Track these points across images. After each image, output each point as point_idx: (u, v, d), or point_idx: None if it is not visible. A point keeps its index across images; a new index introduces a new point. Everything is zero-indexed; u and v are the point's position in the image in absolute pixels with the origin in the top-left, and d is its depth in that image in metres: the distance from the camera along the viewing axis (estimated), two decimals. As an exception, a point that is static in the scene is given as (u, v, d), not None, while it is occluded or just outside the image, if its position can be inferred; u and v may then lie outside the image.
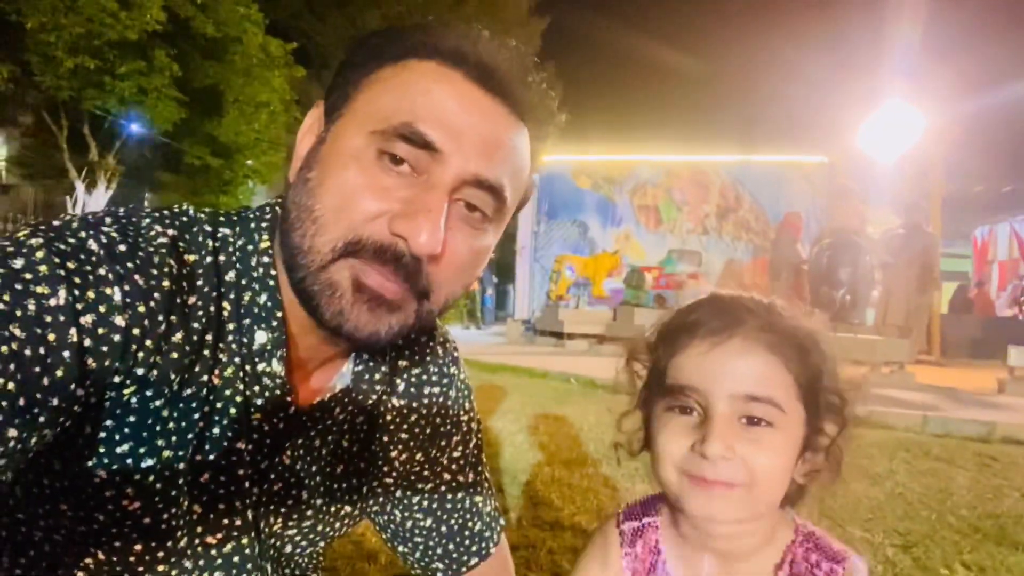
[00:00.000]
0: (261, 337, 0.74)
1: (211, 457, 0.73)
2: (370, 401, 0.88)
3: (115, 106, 12.93)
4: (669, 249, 13.71)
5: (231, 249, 0.75)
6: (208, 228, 0.74)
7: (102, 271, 0.61)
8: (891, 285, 9.18)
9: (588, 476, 3.02)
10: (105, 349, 0.60)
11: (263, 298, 0.74)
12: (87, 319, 0.59)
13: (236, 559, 0.79)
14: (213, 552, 0.77)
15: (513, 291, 15.29)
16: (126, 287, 0.62)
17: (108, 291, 0.61)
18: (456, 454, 1.01)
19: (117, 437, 0.66)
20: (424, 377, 0.96)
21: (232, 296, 0.73)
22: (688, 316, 0.83)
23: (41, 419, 0.55)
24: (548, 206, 14.33)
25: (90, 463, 0.66)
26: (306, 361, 0.81)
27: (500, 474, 3.03)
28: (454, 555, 1.02)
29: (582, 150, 14.52)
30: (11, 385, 0.53)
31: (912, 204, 9.74)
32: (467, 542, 1.02)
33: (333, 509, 0.90)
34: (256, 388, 0.75)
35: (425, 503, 0.99)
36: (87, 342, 0.59)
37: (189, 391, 0.70)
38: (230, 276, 0.74)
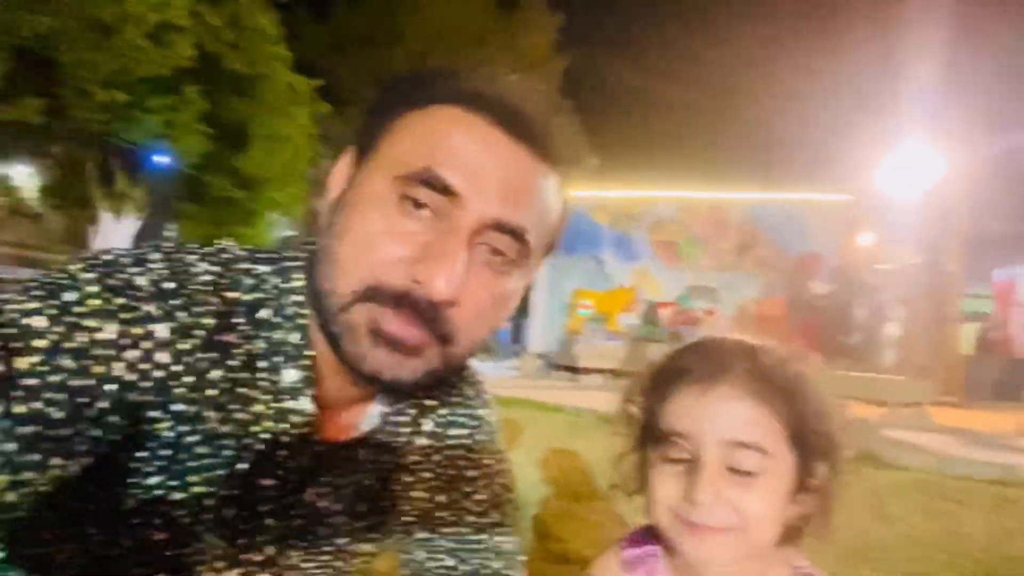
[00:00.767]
0: (291, 375, 0.74)
1: (237, 493, 0.74)
2: (396, 442, 0.88)
3: (143, 139, 13.25)
4: (685, 285, 13.69)
5: (267, 287, 0.76)
6: (247, 266, 0.76)
7: (149, 308, 0.64)
8: (909, 323, 9.08)
9: (598, 510, 3.02)
10: (147, 384, 0.63)
11: (294, 337, 0.75)
12: (132, 354, 0.61)
13: None
14: None
15: (528, 325, 15.24)
16: (171, 324, 0.65)
17: (153, 328, 0.63)
18: (480, 496, 0.98)
19: (149, 469, 0.67)
20: (451, 418, 0.95)
21: (265, 334, 0.74)
22: (677, 361, 0.86)
23: (81, 448, 0.58)
24: (566, 240, 14.16)
25: (120, 491, 0.67)
26: (335, 400, 0.81)
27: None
28: None
29: (600, 186, 14.60)
30: (58, 415, 0.55)
31: (932, 242, 9.67)
32: None
33: (354, 547, 0.90)
34: (285, 425, 0.75)
35: (447, 544, 0.97)
36: (130, 377, 0.61)
37: (224, 429, 0.71)
38: (264, 314, 0.75)
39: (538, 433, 5.07)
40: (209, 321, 0.68)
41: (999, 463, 4.58)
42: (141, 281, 0.65)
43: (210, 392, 0.69)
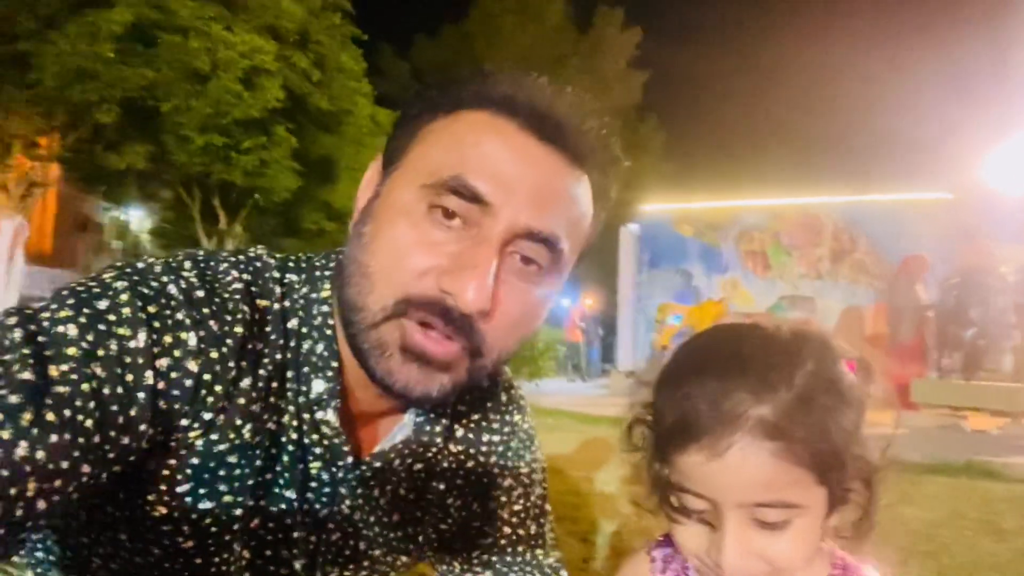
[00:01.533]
0: (318, 386, 0.73)
1: (266, 503, 0.73)
2: (429, 450, 0.86)
3: (240, 178, 14.01)
4: (779, 296, 13.16)
5: (296, 296, 0.76)
6: (277, 274, 0.76)
7: (180, 316, 0.64)
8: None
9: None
10: (177, 393, 0.63)
11: (321, 347, 0.74)
12: (163, 362, 0.61)
13: None
14: None
15: (616, 342, 15.03)
16: (201, 332, 0.64)
17: (184, 336, 0.63)
18: (517, 507, 0.96)
19: (179, 477, 0.67)
20: (484, 424, 0.93)
21: (293, 344, 0.74)
22: (678, 410, 0.72)
23: (111, 455, 0.57)
24: (650, 255, 14.11)
25: (151, 498, 0.67)
26: (366, 412, 0.80)
27: (584, 523, 2.95)
28: None
29: (684, 198, 14.32)
30: (89, 422, 0.55)
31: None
32: None
33: (390, 559, 0.89)
34: (314, 436, 0.74)
35: (485, 556, 0.96)
36: (161, 385, 0.61)
37: (255, 438, 0.70)
38: (293, 323, 0.74)
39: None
40: (240, 329, 0.68)
41: None
42: (172, 289, 0.65)
43: (240, 401, 0.68)
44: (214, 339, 0.65)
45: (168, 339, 0.62)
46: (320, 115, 14.80)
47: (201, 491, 0.68)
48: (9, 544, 0.51)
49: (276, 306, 0.73)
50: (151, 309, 0.62)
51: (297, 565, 0.78)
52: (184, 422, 0.64)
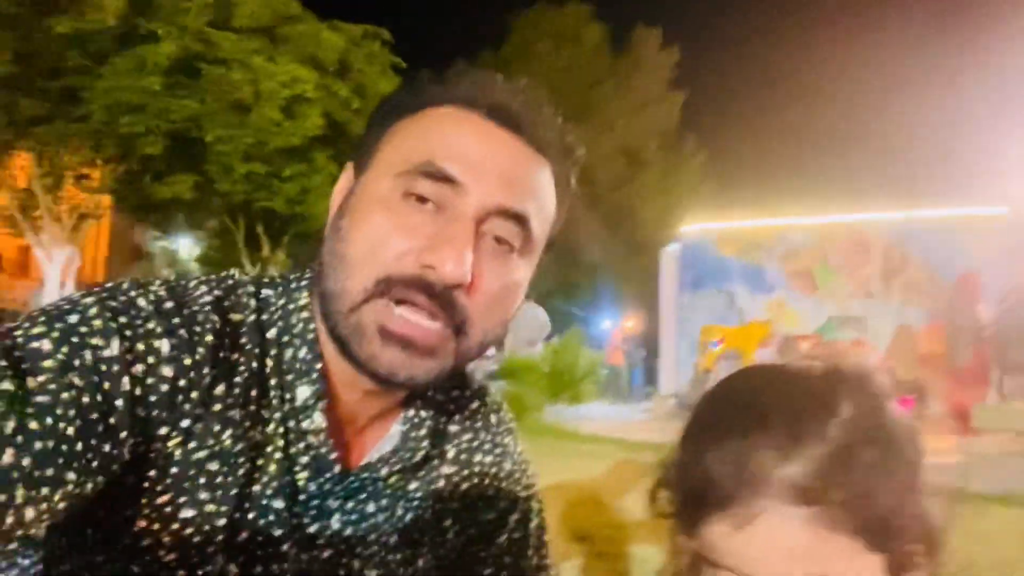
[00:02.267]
0: (303, 392, 0.74)
1: (251, 516, 0.73)
2: (419, 464, 0.85)
3: (282, 205, 14.29)
4: (828, 316, 12.79)
5: (273, 308, 0.77)
6: (252, 289, 0.77)
7: (151, 325, 0.65)
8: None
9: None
10: (153, 399, 0.64)
11: (303, 352, 0.75)
12: (138, 369, 0.63)
13: None
14: None
15: (659, 365, 14.78)
16: (173, 340, 0.66)
17: (156, 343, 0.64)
18: (517, 535, 0.95)
19: (159, 488, 0.67)
20: (475, 444, 0.92)
21: (273, 353, 0.75)
22: (700, 468, 0.63)
23: (95, 464, 0.58)
24: (692, 276, 13.89)
25: (130, 513, 0.67)
26: (352, 419, 0.80)
27: (626, 559, 2.80)
28: None
29: (726, 217, 14.11)
30: (71, 430, 0.56)
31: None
32: None
33: None
34: (301, 446, 0.75)
35: None
36: (138, 391, 0.62)
37: (236, 446, 0.70)
38: (271, 334, 0.75)
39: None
40: (210, 338, 0.69)
41: None
42: (141, 302, 0.67)
43: (216, 407, 0.69)
44: (186, 346, 0.67)
45: (141, 347, 0.63)
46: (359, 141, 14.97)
47: (181, 500, 0.68)
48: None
49: (251, 318, 0.75)
50: (122, 320, 0.64)
51: None
52: (163, 430, 0.65)
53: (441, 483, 0.89)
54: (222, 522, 0.70)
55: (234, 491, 0.70)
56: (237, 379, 0.71)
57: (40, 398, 0.55)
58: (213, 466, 0.69)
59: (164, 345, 0.65)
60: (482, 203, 0.71)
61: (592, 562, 2.84)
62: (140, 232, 23.19)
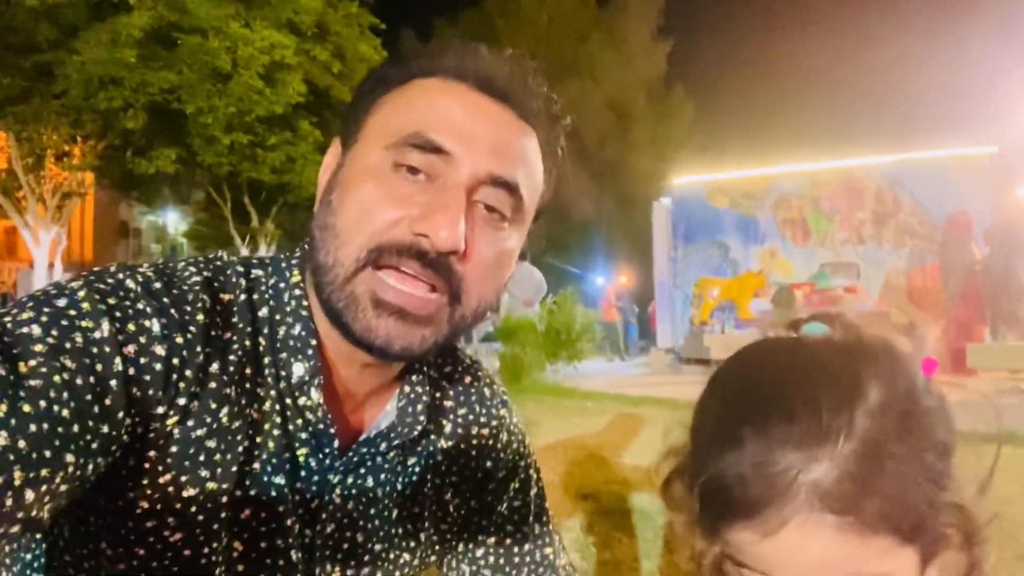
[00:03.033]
0: (298, 369, 0.74)
1: (253, 492, 0.73)
2: (417, 439, 0.87)
3: (268, 175, 14.12)
4: (821, 263, 12.81)
5: (263, 287, 0.78)
6: (241, 269, 0.78)
7: (140, 305, 0.65)
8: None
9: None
10: (148, 378, 0.64)
11: (297, 329, 0.76)
12: (129, 349, 0.63)
13: None
14: None
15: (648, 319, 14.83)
16: (163, 319, 0.66)
17: (147, 323, 0.65)
18: (517, 503, 0.98)
19: (160, 468, 0.67)
20: (471, 418, 0.94)
21: (266, 331, 0.75)
22: (719, 472, 0.59)
23: (94, 446, 0.58)
24: (684, 229, 13.84)
25: (133, 494, 0.67)
26: (349, 395, 0.81)
27: (632, 516, 2.82)
28: None
29: (717, 168, 14.02)
30: (66, 412, 0.55)
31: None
32: None
33: (392, 556, 0.88)
34: (299, 422, 0.75)
35: (491, 558, 0.97)
36: (131, 371, 0.62)
37: (233, 423, 0.71)
38: (263, 312, 0.76)
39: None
40: (201, 318, 0.69)
41: None
42: (129, 283, 0.67)
43: (212, 385, 0.69)
44: (177, 325, 0.67)
45: (131, 327, 0.63)
46: (343, 107, 14.73)
47: (183, 478, 0.68)
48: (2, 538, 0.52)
49: (242, 297, 0.75)
50: (110, 301, 0.64)
51: (293, 557, 0.77)
52: (160, 409, 0.65)
53: (439, 457, 0.90)
54: (224, 499, 0.71)
55: (234, 468, 0.71)
56: (231, 357, 0.72)
57: (32, 382, 0.55)
58: (212, 443, 0.69)
59: (155, 325, 0.65)
60: (473, 172, 0.72)
61: (596, 519, 2.86)
62: (126, 208, 22.94)
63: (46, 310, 0.61)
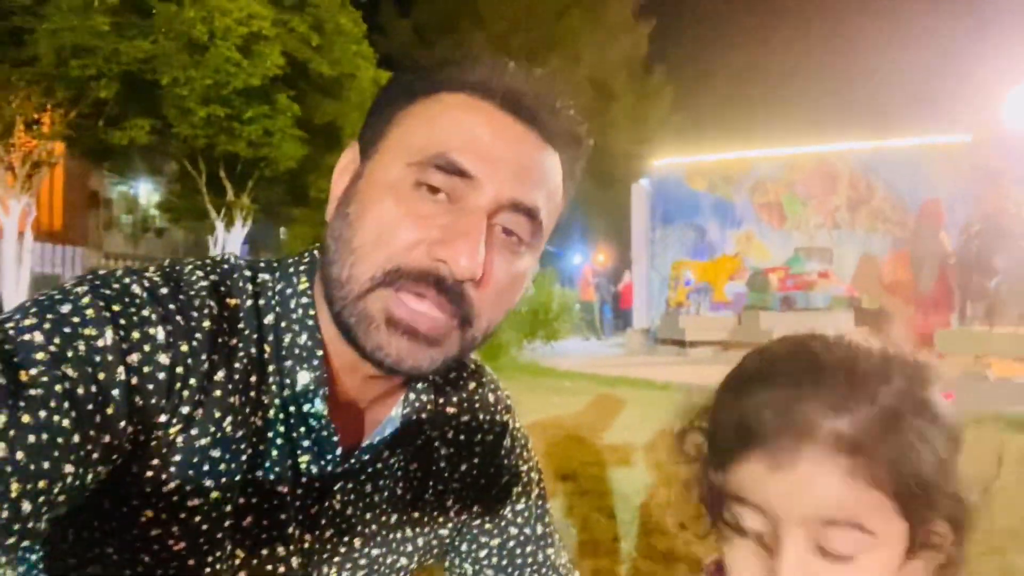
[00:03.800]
0: (304, 378, 0.74)
1: (256, 500, 0.74)
2: (421, 445, 0.88)
3: (244, 149, 13.86)
4: (796, 247, 13.00)
5: (270, 293, 0.77)
6: (248, 273, 0.77)
7: (145, 312, 0.64)
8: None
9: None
10: (151, 387, 0.63)
11: (303, 338, 0.75)
12: (133, 358, 0.62)
13: None
14: None
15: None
16: (168, 327, 0.65)
17: (152, 331, 0.64)
18: (520, 506, 0.99)
19: (164, 477, 0.67)
20: (475, 424, 0.94)
21: (272, 338, 0.75)
22: (742, 414, 0.65)
23: (94, 456, 0.57)
24: (662, 211, 13.95)
25: (137, 503, 0.67)
26: (352, 403, 0.81)
27: (610, 496, 2.89)
28: None
29: (695, 151, 14.09)
30: (66, 422, 0.55)
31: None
32: None
33: (390, 560, 0.88)
34: (302, 430, 0.75)
35: (495, 559, 0.97)
36: (134, 380, 0.61)
37: (237, 432, 0.70)
38: (269, 319, 0.75)
39: (644, 413, 4.89)
40: (208, 324, 0.69)
41: None
42: (135, 288, 0.66)
43: (216, 394, 0.69)
44: (182, 333, 0.66)
45: (136, 335, 0.63)
46: (322, 81, 14.45)
47: (187, 488, 0.68)
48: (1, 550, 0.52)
49: (249, 303, 0.74)
50: (115, 307, 0.63)
51: (294, 563, 0.78)
52: (163, 418, 0.65)
53: (443, 463, 0.91)
54: (228, 508, 0.71)
55: (237, 477, 0.71)
56: (236, 365, 0.71)
57: (33, 391, 0.54)
58: (215, 452, 0.69)
59: (159, 332, 0.64)
60: (495, 197, 0.71)
61: (577, 500, 2.92)
62: (97, 179, 22.45)
63: (49, 316, 0.60)
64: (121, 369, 0.60)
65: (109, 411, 0.59)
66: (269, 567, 0.76)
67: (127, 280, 0.67)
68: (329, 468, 0.78)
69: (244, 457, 0.71)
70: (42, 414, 0.54)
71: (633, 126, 24.89)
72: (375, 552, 0.86)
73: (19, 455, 0.51)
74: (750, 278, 12.07)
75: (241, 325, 0.73)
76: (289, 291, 0.77)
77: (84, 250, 20.57)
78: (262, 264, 0.80)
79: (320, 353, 0.75)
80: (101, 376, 0.59)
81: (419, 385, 0.84)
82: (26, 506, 0.52)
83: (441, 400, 0.90)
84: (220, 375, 0.69)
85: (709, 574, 0.78)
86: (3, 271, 12.97)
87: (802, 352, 0.66)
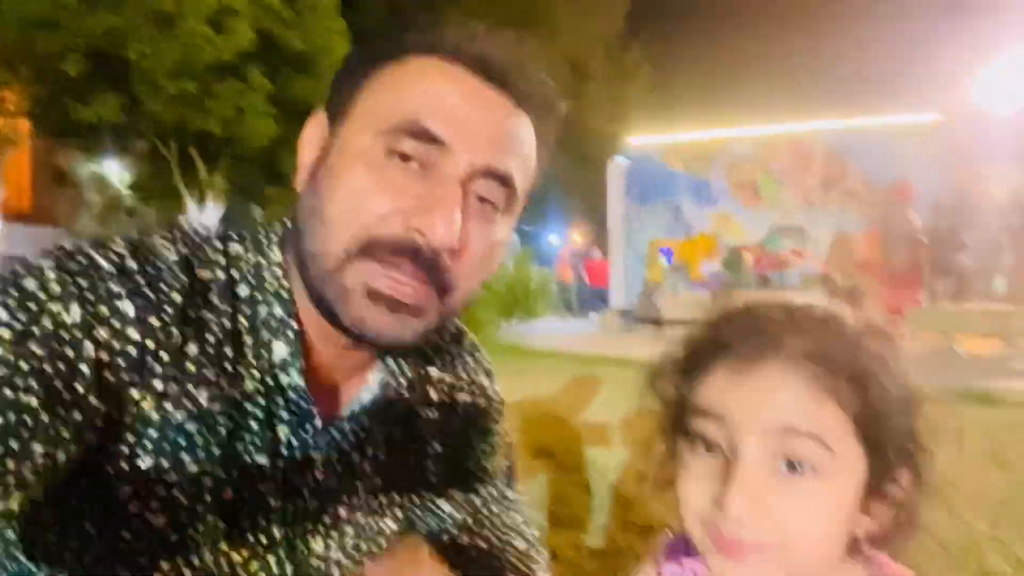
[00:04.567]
0: (280, 349, 0.74)
1: (235, 472, 0.73)
2: (401, 411, 0.87)
3: (216, 126, 13.65)
4: (770, 227, 13.12)
5: (243, 265, 0.76)
6: (219, 245, 0.76)
7: (113, 286, 0.63)
8: (1019, 250, 8.42)
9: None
10: (122, 363, 0.62)
11: (277, 310, 0.75)
12: (102, 333, 0.61)
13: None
14: (240, 570, 0.75)
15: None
16: (138, 301, 0.64)
17: (120, 305, 0.63)
18: (491, 467, 1.00)
19: (140, 453, 0.66)
20: (456, 385, 0.95)
21: (247, 310, 0.74)
22: (716, 333, 0.68)
23: (65, 434, 0.56)
24: (638, 190, 13.97)
25: (115, 479, 0.66)
26: (329, 373, 0.81)
27: (587, 472, 2.93)
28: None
29: (672, 129, 14.11)
30: (34, 401, 0.54)
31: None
32: (512, 559, 0.98)
33: (376, 525, 0.87)
34: (280, 401, 0.75)
35: (458, 515, 0.97)
36: (104, 356, 0.61)
37: (214, 406, 0.70)
38: (243, 291, 0.75)
39: (620, 391, 4.94)
40: (178, 298, 0.68)
41: None
42: (102, 262, 0.64)
43: (190, 367, 0.68)
44: (153, 307, 0.65)
45: (104, 310, 0.62)
46: (295, 56, 14.26)
47: (165, 463, 0.67)
48: None
49: (221, 275, 0.73)
50: (81, 282, 0.61)
51: (276, 534, 0.77)
52: (135, 393, 0.64)
53: (424, 428, 0.90)
54: (208, 482, 0.70)
55: (216, 451, 0.70)
56: (210, 338, 0.70)
57: None
58: (192, 427, 0.68)
59: (128, 307, 0.63)
60: (470, 165, 0.70)
61: (554, 476, 2.96)
62: (65, 158, 21.96)
63: (13, 292, 0.59)
64: (89, 345, 0.59)
65: (79, 388, 0.58)
66: (251, 538, 0.75)
67: (94, 253, 0.65)
68: (309, 438, 0.77)
69: (222, 430, 0.71)
70: (8, 394, 0.53)
71: (609, 104, 24.82)
72: (360, 519, 0.85)
73: None
74: (725, 257, 12.18)
75: (213, 298, 0.72)
76: (262, 263, 0.76)
77: (54, 231, 20.16)
78: (233, 235, 0.79)
79: (295, 325, 0.75)
80: (69, 353, 0.58)
81: (396, 351, 0.83)
82: None
83: (422, 363, 0.90)
84: (193, 348, 0.68)
85: (667, 556, 0.78)
86: (-31, 252, 12.71)
87: (779, 299, 0.69)
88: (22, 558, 0.73)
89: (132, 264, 0.66)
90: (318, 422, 0.77)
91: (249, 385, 0.73)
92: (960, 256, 8.44)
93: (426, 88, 0.71)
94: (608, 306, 14.09)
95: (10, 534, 0.70)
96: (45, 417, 0.55)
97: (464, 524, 0.97)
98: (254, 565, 0.76)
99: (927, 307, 8.38)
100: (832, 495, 0.61)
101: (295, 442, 0.77)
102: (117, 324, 0.62)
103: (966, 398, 4.38)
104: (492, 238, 0.75)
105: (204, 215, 15.72)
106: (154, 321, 0.65)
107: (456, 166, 0.70)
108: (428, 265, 0.70)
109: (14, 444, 0.52)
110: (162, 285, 0.67)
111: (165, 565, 0.70)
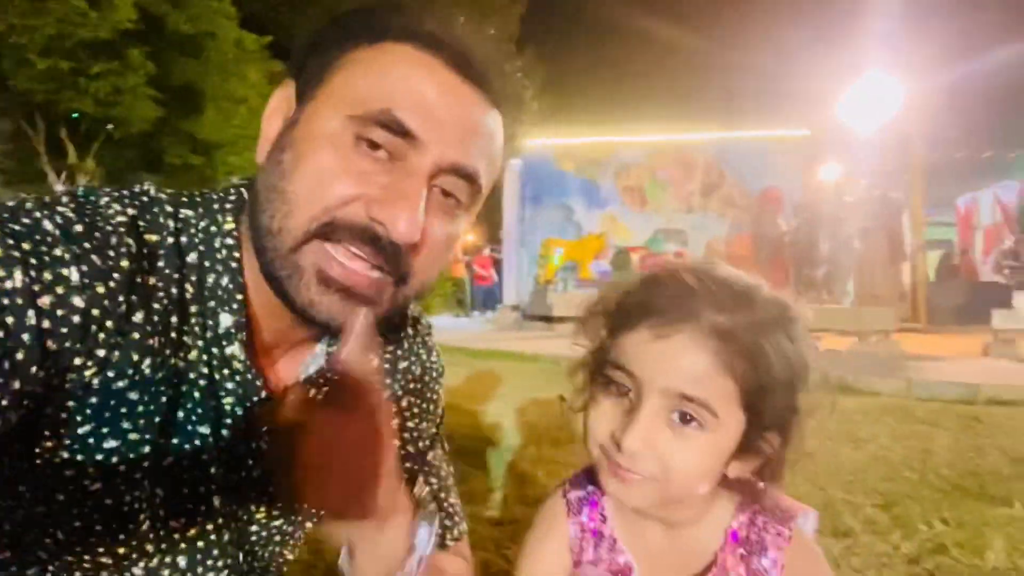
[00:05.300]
0: (225, 320, 0.72)
1: (176, 440, 0.72)
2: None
3: (91, 107, 12.72)
4: (655, 229, 13.76)
5: (193, 231, 0.73)
6: (169, 208, 0.72)
7: (58, 251, 0.59)
8: (865, 254, 9.25)
9: (576, 452, 3.04)
10: (65, 330, 0.59)
11: (225, 280, 0.73)
12: (45, 300, 0.57)
13: (201, 544, 0.77)
14: (176, 536, 0.75)
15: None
16: (83, 267, 0.61)
17: (65, 272, 0.59)
18: (430, 431, 1.00)
19: (79, 419, 0.65)
20: (399, 353, 0.95)
21: (194, 278, 0.72)
22: (644, 294, 0.78)
23: (4, 402, 0.54)
24: (533, 191, 14.29)
25: (51, 444, 0.64)
26: (276, 344, 0.80)
27: (487, 456, 3.06)
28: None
29: (565, 133, 14.48)
30: None
31: (881, 172, 9.82)
32: (447, 507, 1.01)
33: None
34: (225, 372, 0.74)
35: (417, 470, 0.99)
36: (46, 324, 0.58)
37: (156, 374, 0.68)
38: (192, 258, 0.72)
39: (515, 383, 5.10)
40: (125, 263, 0.64)
41: (966, 383, 4.73)
42: (47, 225, 0.60)
43: (135, 336, 0.65)
44: (99, 273, 0.62)
45: (48, 275, 0.58)
46: (180, 39, 13.39)
47: (104, 430, 0.66)
48: None
49: (170, 240, 0.70)
50: (25, 246, 0.58)
51: (215, 503, 0.76)
52: (77, 361, 0.62)
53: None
54: (146, 449, 0.69)
55: (157, 418, 0.69)
56: (155, 305, 0.67)
57: None
58: (134, 395, 0.67)
59: (73, 273, 0.60)
60: (437, 160, 0.70)
61: (454, 459, 3.04)
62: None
63: None
64: (32, 312, 0.56)
65: (19, 356, 0.55)
66: (190, 505, 0.75)
67: (38, 214, 0.61)
68: (254, 409, 0.76)
69: (164, 399, 0.69)
70: None
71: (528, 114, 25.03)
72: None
73: None
74: (613, 257, 12.69)
75: (161, 263, 0.69)
76: (213, 229, 0.74)
77: None
78: (184, 198, 0.76)
79: (240, 297, 0.73)
80: (10, 320, 0.55)
81: None
82: None
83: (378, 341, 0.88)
84: (138, 316, 0.66)
85: (571, 487, 0.91)
86: None
87: (704, 264, 0.80)
88: None
89: (79, 228, 0.62)
90: (263, 393, 0.76)
91: (193, 354, 0.72)
92: (818, 259, 9.16)
93: (401, 78, 0.69)
94: (502, 303, 14.27)
95: None
96: None
97: (412, 473, 0.98)
98: (192, 531, 0.76)
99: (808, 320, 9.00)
100: (710, 445, 0.75)
101: (239, 412, 0.75)
102: (61, 291, 0.59)
103: (825, 387, 4.83)
104: (450, 231, 0.75)
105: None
106: (100, 288, 0.62)
107: (424, 160, 0.69)
108: (386, 254, 0.69)
109: None
110: (109, 251, 0.63)
111: (100, 528, 0.69)
